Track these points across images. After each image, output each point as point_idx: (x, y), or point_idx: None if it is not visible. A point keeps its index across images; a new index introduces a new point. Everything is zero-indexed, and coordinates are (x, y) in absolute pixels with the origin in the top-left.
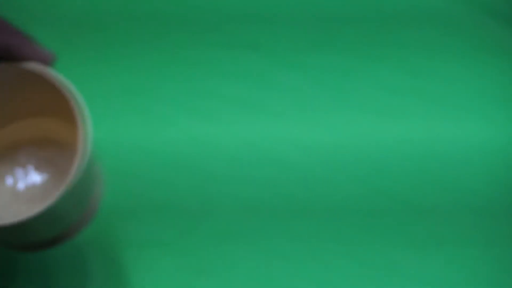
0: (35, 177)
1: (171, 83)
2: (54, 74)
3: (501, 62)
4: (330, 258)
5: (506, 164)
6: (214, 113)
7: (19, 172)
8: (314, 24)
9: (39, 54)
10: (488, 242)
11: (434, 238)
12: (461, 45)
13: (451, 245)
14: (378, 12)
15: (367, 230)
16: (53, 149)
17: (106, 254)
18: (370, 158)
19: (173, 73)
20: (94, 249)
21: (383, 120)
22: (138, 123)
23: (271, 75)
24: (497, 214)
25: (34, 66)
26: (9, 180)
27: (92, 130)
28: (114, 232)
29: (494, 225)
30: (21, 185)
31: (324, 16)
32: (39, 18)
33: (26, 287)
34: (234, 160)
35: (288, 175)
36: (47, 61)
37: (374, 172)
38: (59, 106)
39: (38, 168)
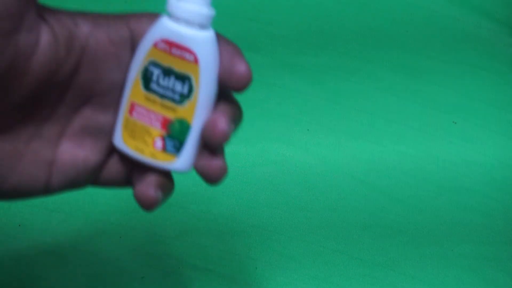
0: None
1: None
2: None
3: (498, 65)
4: (330, 257)
5: (503, 164)
6: None
7: None
8: (314, 26)
9: None
10: (486, 241)
11: (433, 237)
12: (459, 48)
13: (450, 244)
14: (376, 15)
15: (367, 230)
16: None
17: (107, 252)
18: (369, 157)
19: None
20: (94, 247)
21: (381, 121)
22: None
23: (271, 76)
24: (494, 213)
25: None
26: None
27: None
28: (115, 230)
29: (491, 225)
30: None
31: (323, 19)
32: None
33: None
34: (233, 160)
35: (288, 175)
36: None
37: (373, 171)
38: None
39: None
